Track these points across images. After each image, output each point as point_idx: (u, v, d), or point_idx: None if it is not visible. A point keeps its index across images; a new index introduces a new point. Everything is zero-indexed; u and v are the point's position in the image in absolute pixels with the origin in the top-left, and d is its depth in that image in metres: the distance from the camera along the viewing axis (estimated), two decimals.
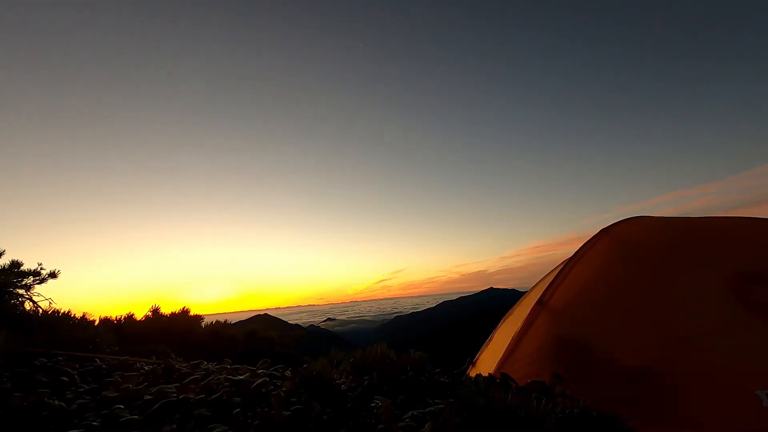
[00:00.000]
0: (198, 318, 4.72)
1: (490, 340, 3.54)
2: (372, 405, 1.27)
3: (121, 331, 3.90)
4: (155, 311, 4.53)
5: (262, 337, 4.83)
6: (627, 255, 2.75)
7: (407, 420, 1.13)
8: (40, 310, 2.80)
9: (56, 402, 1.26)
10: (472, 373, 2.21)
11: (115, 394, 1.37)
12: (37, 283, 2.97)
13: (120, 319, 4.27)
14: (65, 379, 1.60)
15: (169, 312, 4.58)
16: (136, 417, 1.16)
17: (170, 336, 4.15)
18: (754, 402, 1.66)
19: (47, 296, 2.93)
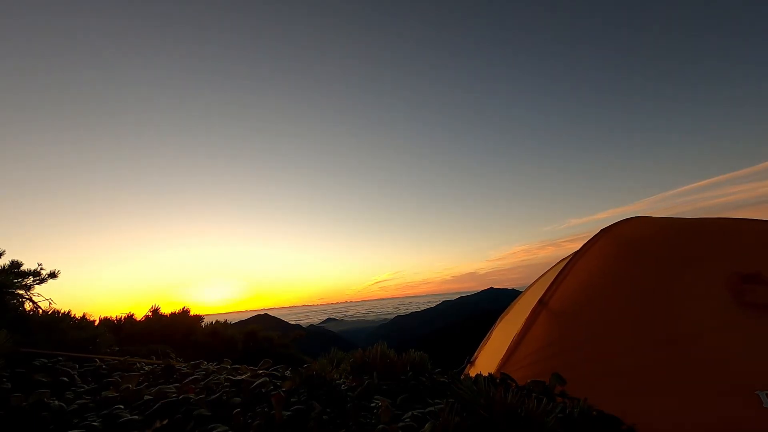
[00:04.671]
0: (198, 318, 4.73)
1: (488, 339, 3.54)
2: (372, 405, 1.27)
3: (121, 331, 3.91)
4: (155, 311, 4.54)
5: (262, 337, 4.83)
6: (627, 255, 2.75)
7: (407, 420, 1.12)
8: (40, 311, 2.80)
9: (56, 402, 1.26)
10: (471, 373, 2.21)
11: (115, 394, 1.37)
12: (37, 283, 2.97)
13: (120, 319, 4.27)
14: (65, 379, 1.60)
15: (169, 312, 4.59)
16: (136, 417, 1.16)
17: (170, 336, 4.15)
18: (754, 402, 1.66)
19: (47, 296, 2.93)
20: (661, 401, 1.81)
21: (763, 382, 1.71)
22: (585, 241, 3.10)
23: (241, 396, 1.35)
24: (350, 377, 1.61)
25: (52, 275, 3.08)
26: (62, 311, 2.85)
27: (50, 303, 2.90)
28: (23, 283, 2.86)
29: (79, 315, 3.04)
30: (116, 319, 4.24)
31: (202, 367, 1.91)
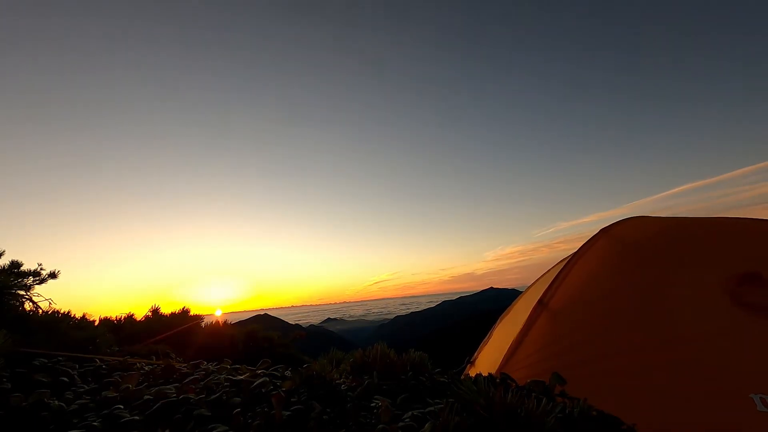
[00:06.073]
0: (198, 318, 4.73)
1: (489, 339, 3.54)
2: (372, 405, 1.28)
3: (121, 331, 3.90)
4: (155, 311, 4.53)
5: (262, 337, 4.83)
6: (626, 255, 2.75)
7: (407, 420, 1.13)
8: (40, 311, 2.80)
9: (56, 402, 1.26)
10: (471, 372, 2.21)
11: (115, 395, 1.37)
12: (37, 284, 2.97)
13: (120, 319, 4.27)
14: (65, 379, 1.60)
15: (169, 312, 4.58)
16: (136, 417, 1.16)
17: (170, 336, 4.15)
18: (747, 405, 1.66)
19: (47, 296, 2.93)
20: (661, 401, 1.81)
21: (758, 385, 1.70)
22: (575, 244, 3.10)
23: (241, 396, 1.35)
24: (350, 377, 1.61)
25: (52, 275, 3.08)
26: (62, 311, 2.85)
27: (50, 303, 2.90)
28: (23, 284, 2.86)
29: (79, 315, 3.04)
30: (116, 319, 4.23)
31: (202, 367, 1.91)
